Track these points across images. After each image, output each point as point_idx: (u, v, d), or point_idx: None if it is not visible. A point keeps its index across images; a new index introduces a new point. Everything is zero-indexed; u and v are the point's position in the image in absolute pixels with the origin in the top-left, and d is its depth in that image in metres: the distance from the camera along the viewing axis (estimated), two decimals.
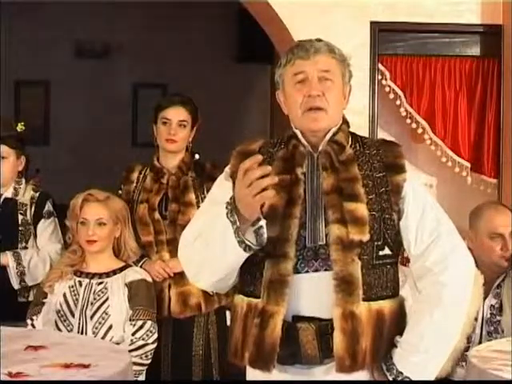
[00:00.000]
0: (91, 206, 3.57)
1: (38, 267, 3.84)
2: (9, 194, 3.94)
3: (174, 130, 3.76)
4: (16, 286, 3.84)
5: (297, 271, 2.39)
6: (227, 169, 2.55)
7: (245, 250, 2.33)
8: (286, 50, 2.53)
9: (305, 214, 2.42)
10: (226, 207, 2.31)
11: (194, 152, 3.87)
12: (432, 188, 4.76)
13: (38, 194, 3.98)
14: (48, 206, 3.97)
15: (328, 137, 2.47)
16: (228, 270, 2.42)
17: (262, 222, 2.33)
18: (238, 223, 2.29)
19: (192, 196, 3.74)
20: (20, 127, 4.04)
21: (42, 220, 3.94)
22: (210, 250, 2.38)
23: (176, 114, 3.79)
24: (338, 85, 2.47)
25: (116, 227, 3.60)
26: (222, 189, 2.53)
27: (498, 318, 3.52)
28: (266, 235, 2.34)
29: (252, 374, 2.49)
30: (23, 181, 4.01)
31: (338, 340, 2.35)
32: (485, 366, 2.70)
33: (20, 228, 3.91)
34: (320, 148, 2.47)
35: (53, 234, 3.95)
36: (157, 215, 3.73)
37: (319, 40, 2.50)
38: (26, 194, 3.96)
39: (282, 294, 2.37)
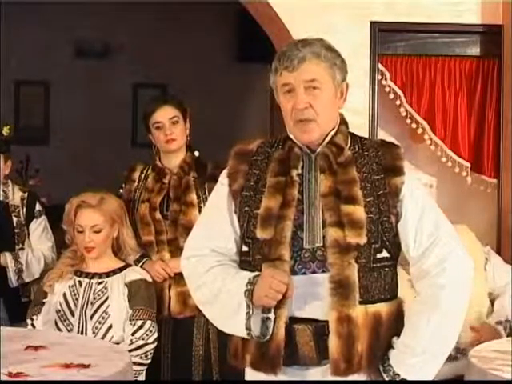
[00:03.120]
0: (85, 213, 3.54)
1: (34, 265, 3.92)
2: None
3: (169, 129, 3.77)
4: (14, 283, 3.87)
5: (294, 273, 2.39)
6: (225, 170, 2.56)
7: (248, 335, 2.39)
8: (276, 54, 2.51)
9: (301, 216, 2.42)
10: (247, 284, 2.37)
11: (193, 149, 3.88)
12: (432, 188, 4.75)
13: (26, 195, 4.03)
14: (38, 206, 4.02)
15: (327, 140, 2.46)
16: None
17: (272, 316, 2.35)
18: (251, 308, 2.36)
19: (193, 196, 3.74)
20: (6, 131, 4.05)
21: (34, 219, 3.98)
22: (219, 305, 2.46)
23: (164, 113, 3.79)
24: (327, 90, 2.44)
25: (113, 229, 3.59)
26: (219, 193, 2.55)
27: None
28: (270, 329, 2.37)
29: (251, 375, 2.50)
30: (10, 183, 4.03)
31: (334, 343, 2.36)
32: (485, 366, 2.70)
33: (16, 230, 3.94)
34: (318, 150, 2.46)
35: (43, 232, 4.01)
36: (158, 215, 3.73)
37: (307, 44, 2.44)
38: (16, 196, 4.00)
39: (282, 297, 2.37)
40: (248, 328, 2.37)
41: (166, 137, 3.76)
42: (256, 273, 2.40)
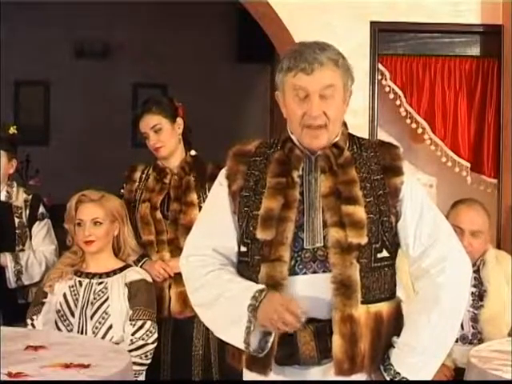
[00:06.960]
0: (86, 207, 3.56)
1: (35, 267, 3.89)
2: (1, 197, 3.95)
3: (153, 138, 3.77)
4: (12, 284, 3.87)
5: (295, 273, 2.39)
6: (223, 170, 2.55)
7: (246, 348, 2.38)
8: (287, 52, 2.47)
9: (302, 217, 2.41)
10: (252, 298, 2.35)
11: (192, 146, 3.87)
12: (432, 188, 4.76)
13: (30, 197, 4.01)
14: (41, 208, 4.01)
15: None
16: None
17: (271, 339, 2.35)
18: (252, 324, 2.34)
19: (194, 196, 3.74)
20: (12, 130, 4.04)
21: (37, 222, 3.97)
22: (217, 311, 2.45)
23: (145, 124, 3.79)
24: (339, 97, 2.44)
25: (113, 225, 3.59)
26: (218, 194, 2.55)
27: (481, 303, 3.60)
28: (269, 344, 2.36)
29: (249, 376, 2.50)
30: (15, 184, 4.02)
31: (337, 343, 2.36)
32: (485, 366, 2.70)
33: (17, 231, 3.94)
34: (319, 151, 2.46)
35: (47, 235, 3.99)
36: (158, 215, 3.73)
37: (322, 48, 2.42)
38: (20, 197, 3.99)
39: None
40: (247, 342, 2.36)
41: (153, 146, 3.78)
42: (261, 286, 2.37)
